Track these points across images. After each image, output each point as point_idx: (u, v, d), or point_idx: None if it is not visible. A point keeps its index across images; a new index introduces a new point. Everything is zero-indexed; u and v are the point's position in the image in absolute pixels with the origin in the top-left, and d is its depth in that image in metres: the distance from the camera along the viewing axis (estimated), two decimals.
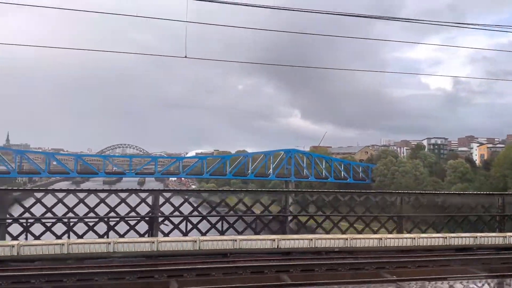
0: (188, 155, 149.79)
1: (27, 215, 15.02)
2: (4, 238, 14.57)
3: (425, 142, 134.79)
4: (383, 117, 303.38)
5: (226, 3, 15.28)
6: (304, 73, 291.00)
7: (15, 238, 14.55)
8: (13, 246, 13.25)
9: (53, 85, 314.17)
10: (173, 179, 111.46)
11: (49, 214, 15.14)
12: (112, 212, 15.70)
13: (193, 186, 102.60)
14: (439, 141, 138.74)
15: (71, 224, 15.21)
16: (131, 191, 16.31)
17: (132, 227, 15.87)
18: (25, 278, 11.39)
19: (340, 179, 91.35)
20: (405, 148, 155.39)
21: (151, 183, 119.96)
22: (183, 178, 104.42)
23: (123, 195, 16.05)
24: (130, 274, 12.00)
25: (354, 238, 16.29)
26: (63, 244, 13.75)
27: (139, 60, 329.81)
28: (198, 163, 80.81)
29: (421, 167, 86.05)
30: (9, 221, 14.95)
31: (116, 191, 16.28)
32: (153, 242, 14.75)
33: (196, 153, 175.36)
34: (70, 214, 15.23)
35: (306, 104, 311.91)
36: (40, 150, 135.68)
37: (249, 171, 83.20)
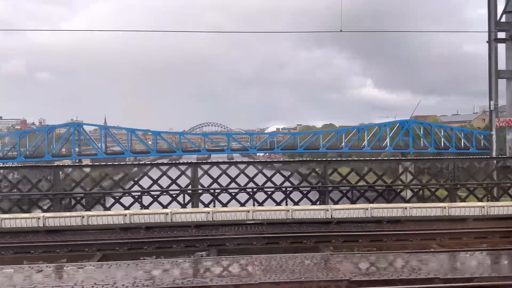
0: (267, 131, 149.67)
1: (214, 185, 16.56)
2: (197, 206, 16.16)
3: None
4: (468, 81, 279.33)
5: None
6: (379, 39, 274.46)
7: (206, 205, 16.09)
8: (208, 212, 14.78)
9: (136, 70, 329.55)
10: (260, 154, 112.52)
11: (233, 184, 16.60)
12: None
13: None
14: None
15: (253, 192, 16.57)
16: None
17: (305, 195, 16.90)
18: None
19: (461, 149, 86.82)
20: None
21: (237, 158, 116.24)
22: (272, 154, 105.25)
23: None
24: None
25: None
26: (248, 211, 15.02)
27: (215, 40, 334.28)
28: (313, 138, 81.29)
29: None
30: (200, 191, 16.59)
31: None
32: (327, 210, 15.56)
33: (276, 128, 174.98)
34: (251, 184, 16.62)
35: (381, 73, 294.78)
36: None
37: (364, 144, 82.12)
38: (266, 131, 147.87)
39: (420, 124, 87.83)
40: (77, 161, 78.86)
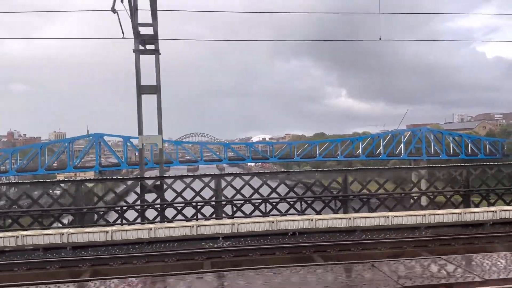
0: (251, 141, 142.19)
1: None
2: (221, 217, 15.61)
3: None
4: (438, 91, 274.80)
5: None
6: (354, 50, 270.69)
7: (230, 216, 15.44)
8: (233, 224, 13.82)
9: (111, 80, 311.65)
10: (252, 164, 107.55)
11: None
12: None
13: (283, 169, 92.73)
14: None
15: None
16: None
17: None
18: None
19: (469, 155, 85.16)
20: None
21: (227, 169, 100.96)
22: (267, 164, 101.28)
23: None
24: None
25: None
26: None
27: (194, 51, 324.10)
28: (331, 147, 78.97)
29: None
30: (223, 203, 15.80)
31: None
32: (350, 219, 14.69)
33: (262, 138, 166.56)
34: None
35: (356, 83, 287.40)
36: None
37: (378, 151, 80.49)
38: (250, 141, 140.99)
39: (431, 131, 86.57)
40: (99, 172, 74.44)
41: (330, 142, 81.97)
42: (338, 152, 78.38)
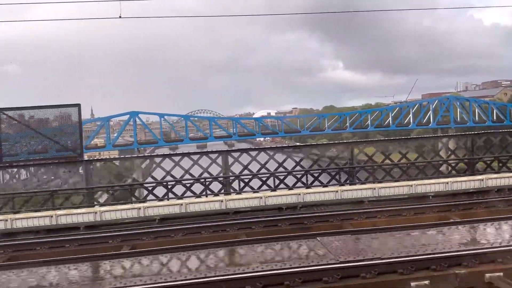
0: (254, 116, 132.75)
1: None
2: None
3: None
4: (436, 60, 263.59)
5: None
6: (350, 21, 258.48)
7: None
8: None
9: (104, 58, 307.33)
10: (266, 139, 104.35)
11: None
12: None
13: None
14: None
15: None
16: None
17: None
18: None
19: (495, 122, 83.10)
20: None
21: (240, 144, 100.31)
22: (277, 138, 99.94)
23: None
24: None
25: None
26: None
27: (185, 25, 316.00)
28: (361, 119, 77.13)
29: None
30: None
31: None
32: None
33: (267, 113, 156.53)
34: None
35: (352, 55, 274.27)
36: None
37: (407, 121, 79.19)
38: (253, 117, 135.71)
39: (457, 99, 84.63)
40: (137, 149, 73.08)
41: (359, 113, 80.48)
42: (368, 122, 77.14)
